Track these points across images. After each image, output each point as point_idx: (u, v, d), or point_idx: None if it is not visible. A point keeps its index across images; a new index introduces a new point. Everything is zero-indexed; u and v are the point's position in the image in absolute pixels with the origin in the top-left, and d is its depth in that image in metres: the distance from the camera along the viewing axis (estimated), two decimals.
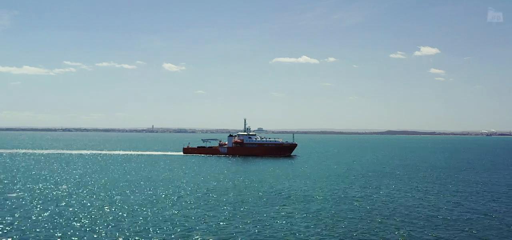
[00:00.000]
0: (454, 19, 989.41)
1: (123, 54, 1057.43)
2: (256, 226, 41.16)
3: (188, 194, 59.59)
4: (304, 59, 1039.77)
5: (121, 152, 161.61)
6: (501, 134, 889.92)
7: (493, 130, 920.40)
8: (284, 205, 52.14)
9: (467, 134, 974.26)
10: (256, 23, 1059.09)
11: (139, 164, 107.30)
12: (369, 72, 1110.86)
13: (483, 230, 40.86)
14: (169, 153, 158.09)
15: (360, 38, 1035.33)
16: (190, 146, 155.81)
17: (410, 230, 40.29)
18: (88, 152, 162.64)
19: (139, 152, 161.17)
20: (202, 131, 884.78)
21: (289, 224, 42.16)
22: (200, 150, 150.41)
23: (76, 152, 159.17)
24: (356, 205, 52.96)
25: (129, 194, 59.12)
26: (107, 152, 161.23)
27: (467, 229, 41.25)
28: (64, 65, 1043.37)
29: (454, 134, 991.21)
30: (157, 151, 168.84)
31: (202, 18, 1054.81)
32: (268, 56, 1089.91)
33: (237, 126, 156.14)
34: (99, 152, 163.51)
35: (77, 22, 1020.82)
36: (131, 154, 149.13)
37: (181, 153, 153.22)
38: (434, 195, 61.34)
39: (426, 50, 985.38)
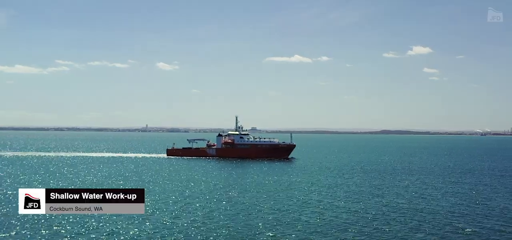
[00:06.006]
0: (446, 19, 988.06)
1: (115, 53, 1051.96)
2: None
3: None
4: (296, 58, 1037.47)
5: (99, 155, 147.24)
6: (496, 134, 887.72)
7: (488, 129, 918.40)
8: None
9: (461, 134, 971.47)
10: (251, 22, 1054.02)
11: (105, 169, 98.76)
12: (363, 72, 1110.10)
13: None
14: (153, 155, 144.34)
15: (354, 37, 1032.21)
16: (175, 147, 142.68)
17: None
18: (61, 154, 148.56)
19: (119, 154, 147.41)
20: (196, 131, 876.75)
21: None
22: (185, 151, 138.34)
23: (44, 154, 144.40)
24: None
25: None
26: (84, 154, 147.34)
27: None
28: (56, 64, 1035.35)
29: (449, 134, 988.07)
30: (140, 153, 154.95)
31: (197, 17, 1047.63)
32: (262, 55, 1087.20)
33: (231, 125, 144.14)
34: (76, 154, 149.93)
35: (69, 20, 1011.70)
36: (108, 157, 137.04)
37: (165, 155, 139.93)
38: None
39: (418, 50, 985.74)
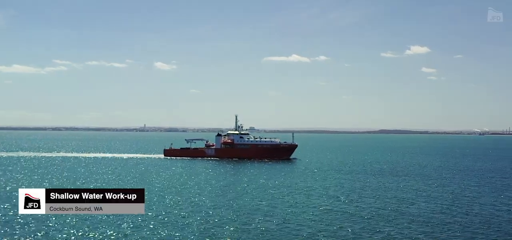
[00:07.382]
0: (444, 19, 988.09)
1: (113, 53, 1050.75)
2: None
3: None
4: (294, 57, 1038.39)
5: (96, 155, 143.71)
6: (494, 133, 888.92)
7: (486, 129, 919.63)
8: None
9: (459, 133, 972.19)
10: (251, 23, 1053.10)
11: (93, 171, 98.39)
12: (361, 71, 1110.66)
13: None
14: (149, 155, 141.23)
15: (352, 37, 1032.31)
16: (172, 147, 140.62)
17: None
18: (61, 154, 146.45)
19: (113, 155, 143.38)
20: (195, 130, 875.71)
21: None
22: (183, 152, 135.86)
23: (44, 155, 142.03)
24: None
25: None
26: (82, 155, 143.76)
27: None
28: (54, 64, 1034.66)
29: (447, 133, 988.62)
30: (137, 153, 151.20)
31: (196, 17, 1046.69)
32: (260, 55, 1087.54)
33: (230, 125, 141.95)
34: (75, 154, 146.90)
35: (68, 20, 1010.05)
36: (106, 157, 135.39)
37: (162, 155, 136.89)
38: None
39: (416, 49, 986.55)
